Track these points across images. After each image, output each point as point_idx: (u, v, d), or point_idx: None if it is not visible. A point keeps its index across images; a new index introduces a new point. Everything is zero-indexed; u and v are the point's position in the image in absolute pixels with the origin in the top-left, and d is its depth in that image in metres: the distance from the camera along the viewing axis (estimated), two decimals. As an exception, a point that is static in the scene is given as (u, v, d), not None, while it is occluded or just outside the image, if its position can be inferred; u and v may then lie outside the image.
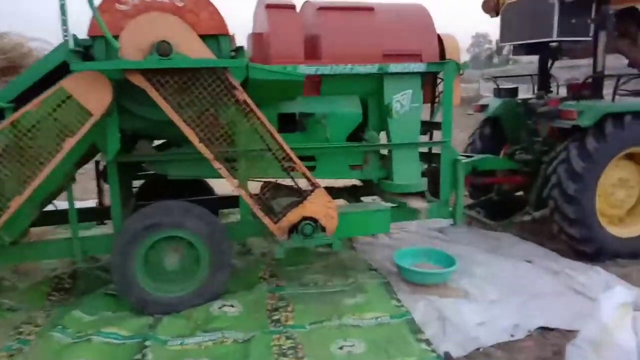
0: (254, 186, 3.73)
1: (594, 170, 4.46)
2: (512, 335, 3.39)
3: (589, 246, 4.60)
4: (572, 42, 4.96)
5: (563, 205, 4.53)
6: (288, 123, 4.10)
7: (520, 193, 5.76)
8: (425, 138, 4.73)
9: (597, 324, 2.96)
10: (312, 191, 3.57)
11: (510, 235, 5.29)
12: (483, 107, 5.81)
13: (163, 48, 3.05)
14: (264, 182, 4.02)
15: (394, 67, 4.12)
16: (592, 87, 4.88)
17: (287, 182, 3.76)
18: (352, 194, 5.08)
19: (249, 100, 3.31)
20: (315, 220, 3.57)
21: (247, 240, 5.13)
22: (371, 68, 4.07)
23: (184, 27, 3.17)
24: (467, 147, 6.08)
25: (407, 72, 4.18)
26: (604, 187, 4.66)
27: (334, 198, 5.02)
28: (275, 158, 3.47)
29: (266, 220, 3.47)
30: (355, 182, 5.13)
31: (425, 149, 4.74)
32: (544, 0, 4.71)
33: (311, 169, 4.18)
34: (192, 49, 3.18)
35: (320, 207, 3.58)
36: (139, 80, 3.15)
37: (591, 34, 4.81)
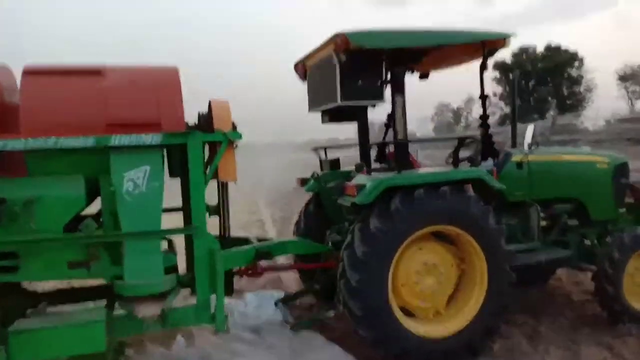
0: None
1: (382, 255, 3.68)
2: None
3: (385, 350, 3.73)
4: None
5: (348, 299, 3.70)
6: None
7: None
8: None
9: None
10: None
11: (318, 337, 4.36)
12: (304, 182, 5.07)
13: None
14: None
15: (119, 140, 3.37)
16: (395, 156, 4.23)
17: None
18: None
19: None
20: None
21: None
22: (85, 141, 3.31)
23: None
24: (294, 227, 5.30)
25: (140, 146, 3.44)
26: (405, 276, 3.88)
27: (84, 300, 4.14)
28: None
29: None
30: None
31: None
32: (329, 63, 4.12)
33: (11, 269, 3.31)
34: None
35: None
36: None
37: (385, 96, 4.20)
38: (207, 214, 4.16)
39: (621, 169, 5.09)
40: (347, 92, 4.02)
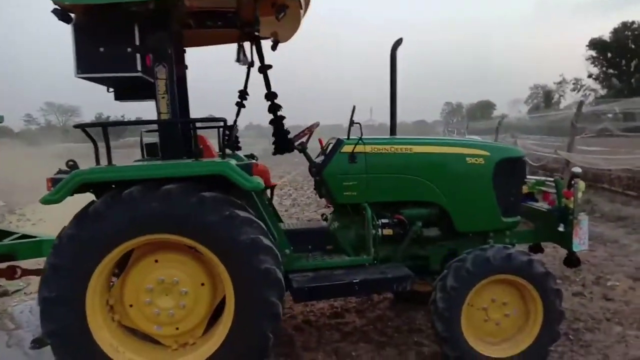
0: None
1: (75, 271, 2.87)
2: None
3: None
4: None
5: (40, 322, 2.97)
6: None
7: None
8: None
9: None
10: None
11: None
12: None
13: None
14: None
15: None
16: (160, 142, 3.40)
17: None
18: None
19: None
20: None
21: None
22: None
23: None
24: None
25: None
26: (134, 295, 3.07)
27: None
28: None
29: None
30: None
31: None
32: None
33: None
34: None
35: None
36: None
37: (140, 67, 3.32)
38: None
39: (508, 166, 3.82)
40: (85, 63, 3.21)
